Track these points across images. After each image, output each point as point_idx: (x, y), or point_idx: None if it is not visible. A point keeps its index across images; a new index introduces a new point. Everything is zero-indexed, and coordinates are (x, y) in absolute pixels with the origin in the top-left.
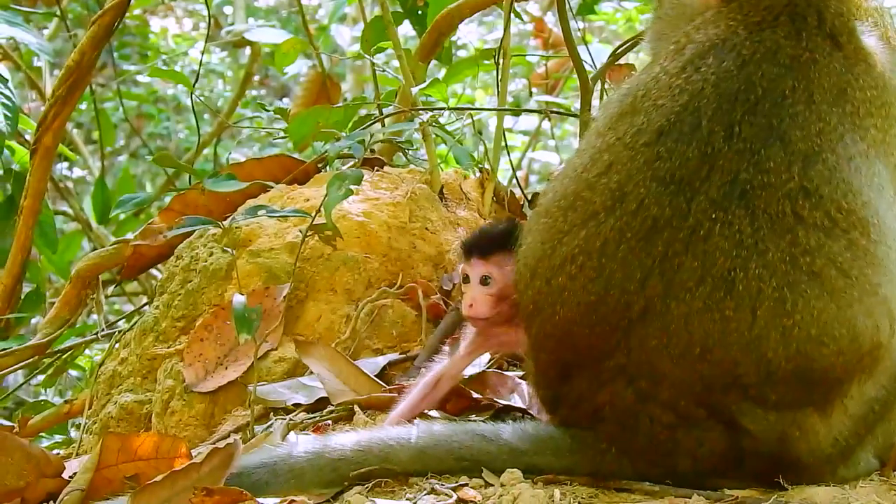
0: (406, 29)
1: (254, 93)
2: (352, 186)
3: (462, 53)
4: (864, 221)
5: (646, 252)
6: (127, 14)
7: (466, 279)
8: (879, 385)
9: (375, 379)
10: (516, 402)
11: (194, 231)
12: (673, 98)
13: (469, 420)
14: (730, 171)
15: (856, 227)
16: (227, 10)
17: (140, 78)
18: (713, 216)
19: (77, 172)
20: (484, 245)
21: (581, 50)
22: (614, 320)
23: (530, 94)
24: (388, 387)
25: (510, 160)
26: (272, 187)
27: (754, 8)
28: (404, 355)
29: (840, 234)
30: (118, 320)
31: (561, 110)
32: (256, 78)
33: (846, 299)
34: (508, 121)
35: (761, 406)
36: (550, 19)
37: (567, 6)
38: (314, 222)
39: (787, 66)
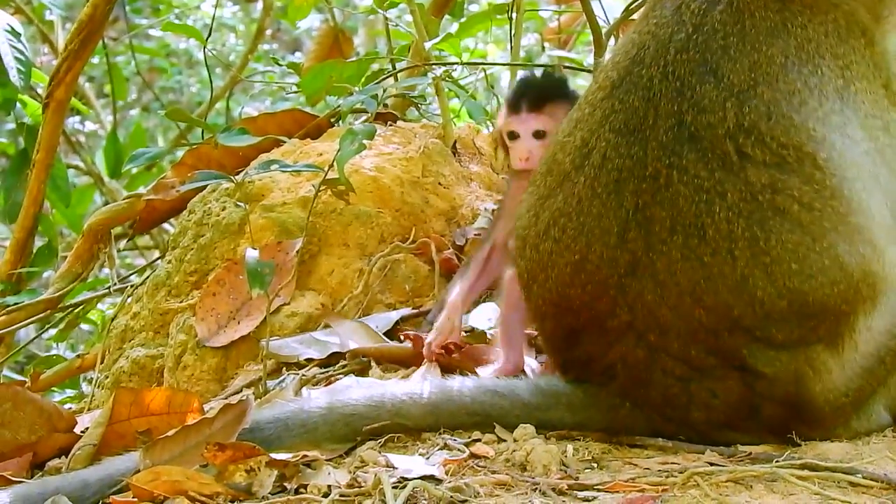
0: None
1: (266, 47)
2: (364, 141)
3: (475, 8)
4: (811, 156)
5: (618, 205)
6: None
7: (513, 135)
8: (890, 329)
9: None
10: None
11: (207, 185)
12: (626, 53)
13: (482, 375)
14: (672, 114)
15: (805, 161)
16: None
17: (152, 32)
18: (668, 162)
19: (89, 126)
20: (535, 96)
21: (595, 4)
22: (602, 277)
23: (543, 48)
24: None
25: None
26: (285, 142)
27: None
28: (417, 310)
29: (791, 169)
30: (130, 275)
31: (573, 65)
32: (269, 32)
33: (819, 231)
34: (521, 75)
35: (771, 347)
36: None
37: None
38: (327, 177)
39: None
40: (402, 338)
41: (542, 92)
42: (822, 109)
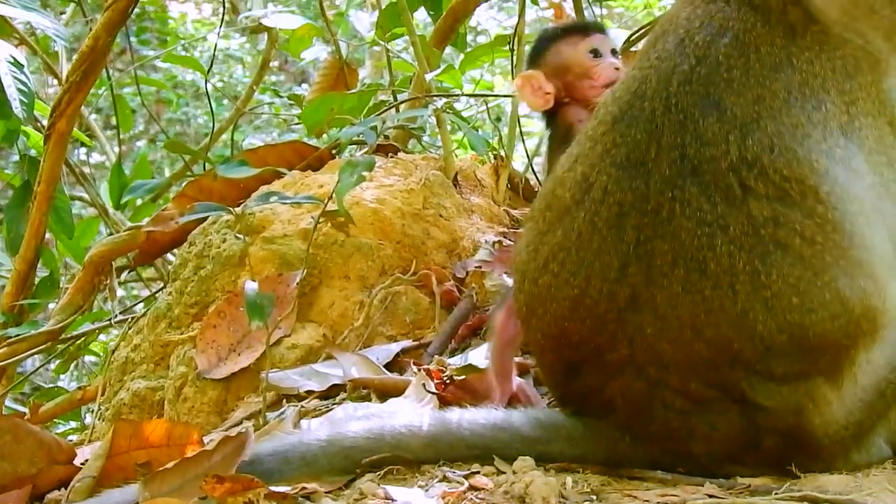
0: (423, 14)
1: (273, 78)
2: (364, 173)
3: (483, 39)
4: (814, 189)
5: (619, 239)
6: None
7: (597, 53)
8: (890, 362)
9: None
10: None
11: (207, 217)
12: (627, 88)
13: (481, 408)
14: (675, 146)
15: (808, 195)
16: None
17: (160, 63)
18: (671, 195)
19: (96, 158)
20: (594, 24)
21: None
22: (601, 311)
23: None
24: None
25: (524, 146)
26: (285, 174)
27: None
28: (418, 342)
29: (794, 202)
30: (132, 306)
31: None
32: (276, 63)
33: (820, 265)
34: (526, 106)
35: (770, 380)
36: (569, 5)
37: None
38: (326, 209)
39: (719, 32)
40: (407, 369)
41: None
42: (826, 143)
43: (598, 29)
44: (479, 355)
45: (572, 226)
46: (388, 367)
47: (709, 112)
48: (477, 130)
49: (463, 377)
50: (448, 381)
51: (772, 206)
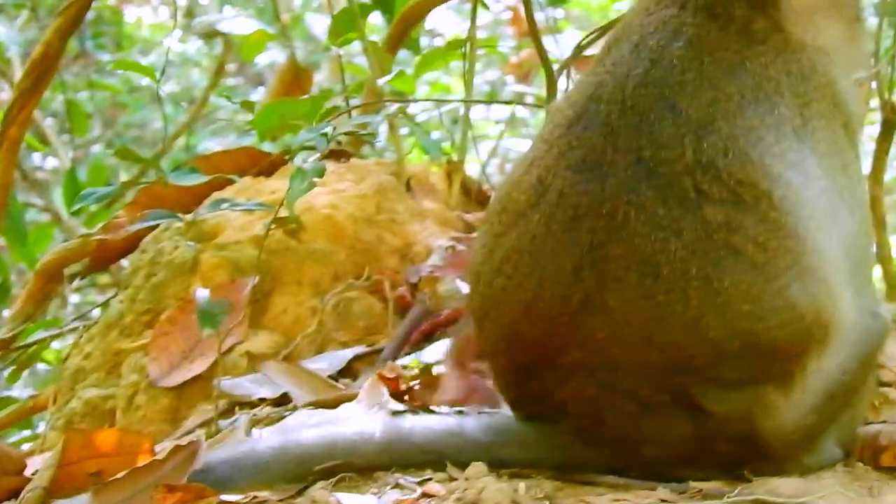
0: (379, 18)
1: (231, 81)
2: (315, 179)
3: (439, 41)
4: (767, 194)
5: (573, 242)
6: (98, 4)
7: None
8: (841, 366)
9: (330, 381)
10: None
11: (159, 224)
12: (582, 93)
13: (434, 413)
14: (631, 150)
15: (761, 200)
16: None
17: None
18: (626, 199)
19: (52, 163)
20: None
21: (553, 40)
22: (553, 314)
23: (504, 83)
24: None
25: (476, 151)
26: (236, 181)
27: None
28: (371, 348)
29: (747, 207)
30: (84, 314)
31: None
32: (233, 67)
33: (772, 271)
34: (483, 110)
35: (721, 386)
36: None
37: None
38: (278, 215)
39: (673, 36)
40: (361, 375)
41: None
42: (779, 146)
43: None
44: (432, 354)
45: (527, 228)
46: (342, 372)
47: (664, 114)
48: (429, 134)
49: (420, 379)
50: (406, 388)
51: (725, 210)
